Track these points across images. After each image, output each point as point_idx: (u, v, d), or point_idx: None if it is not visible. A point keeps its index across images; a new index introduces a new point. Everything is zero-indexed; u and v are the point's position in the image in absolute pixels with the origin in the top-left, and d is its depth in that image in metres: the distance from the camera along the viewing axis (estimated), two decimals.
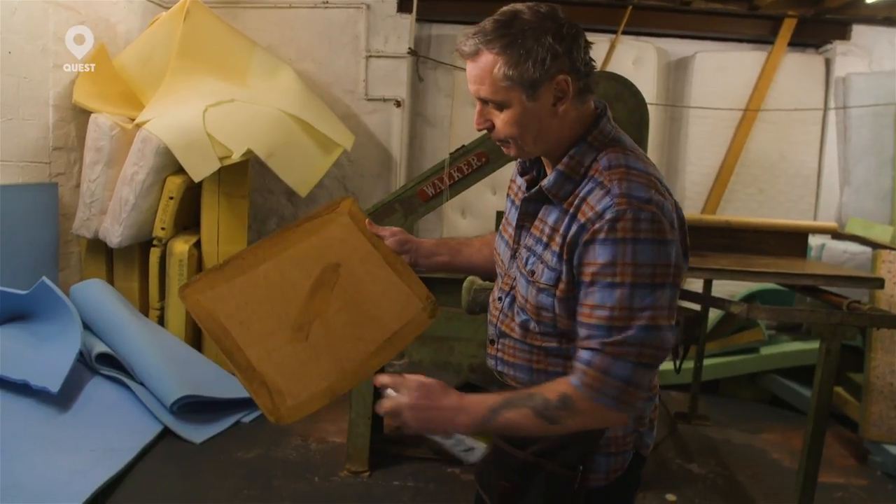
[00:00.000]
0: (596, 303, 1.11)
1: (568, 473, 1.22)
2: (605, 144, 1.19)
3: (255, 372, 1.36)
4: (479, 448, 1.32)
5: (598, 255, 1.10)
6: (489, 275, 1.56)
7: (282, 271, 1.45)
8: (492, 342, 1.37)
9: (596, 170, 1.16)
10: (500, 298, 1.34)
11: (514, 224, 1.31)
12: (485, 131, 1.24)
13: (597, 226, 1.10)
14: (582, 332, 1.14)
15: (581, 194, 1.16)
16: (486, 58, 1.13)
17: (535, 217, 1.26)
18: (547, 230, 1.21)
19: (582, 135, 1.20)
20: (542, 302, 1.21)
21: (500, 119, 1.18)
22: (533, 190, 1.25)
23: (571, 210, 1.17)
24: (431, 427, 1.19)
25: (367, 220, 1.55)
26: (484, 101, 1.19)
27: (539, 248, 1.23)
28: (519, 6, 1.15)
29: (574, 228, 1.14)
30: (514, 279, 1.29)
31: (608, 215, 1.09)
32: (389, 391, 1.20)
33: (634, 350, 1.10)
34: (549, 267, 1.19)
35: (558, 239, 1.18)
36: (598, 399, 1.11)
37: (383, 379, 1.21)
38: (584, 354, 1.13)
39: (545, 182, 1.21)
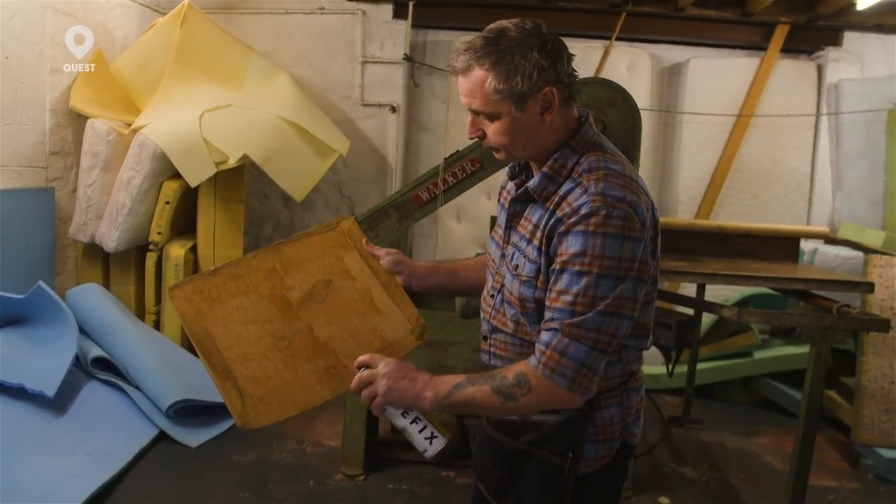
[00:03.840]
0: (562, 288, 1.19)
1: (559, 461, 1.30)
2: (587, 148, 1.28)
3: (229, 374, 1.38)
4: (442, 439, 1.33)
5: (571, 246, 1.18)
6: None
7: (273, 284, 1.46)
8: (484, 338, 1.44)
9: (577, 172, 1.25)
10: (492, 296, 1.41)
11: (503, 225, 1.40)
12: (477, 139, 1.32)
13: (572, 219, 1.19)
14: (546, 315, 1.22)
15: (562, 193, 1.25)
16: (477, 73, 1.21)
17: (522, 216, 1.34)
18: (530, 227, 1.30)
19: (566, 140, 1.28)
20: (524, 294, 1.28)
21: (491, 129, 1.27)
22: (520, 191, 1.33)
23: (552, 207, 1.25)
24: (401, 398, 1.26)
25: (364, 240, 1.58)
26: (476, 113, 1.27)
27: (523, 244, 1.31)
28: (506, 23, 1.23)
29: (552, 222, 1.23)
30: (504, 276, 1.36)
31: (583, 210, 1.18)
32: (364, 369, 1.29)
33: (591, 335, 1.17)
34: (530, 260, 1.28)
35: (539, 234, 1.26)
36: (554, 378, 1.19)
37: (363, 358, 1.31)
38: (544, 336, 1.21)
39: (531, 183, 1.30)
